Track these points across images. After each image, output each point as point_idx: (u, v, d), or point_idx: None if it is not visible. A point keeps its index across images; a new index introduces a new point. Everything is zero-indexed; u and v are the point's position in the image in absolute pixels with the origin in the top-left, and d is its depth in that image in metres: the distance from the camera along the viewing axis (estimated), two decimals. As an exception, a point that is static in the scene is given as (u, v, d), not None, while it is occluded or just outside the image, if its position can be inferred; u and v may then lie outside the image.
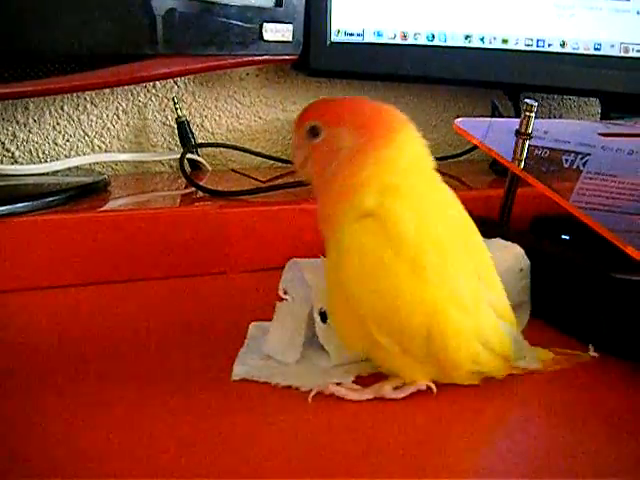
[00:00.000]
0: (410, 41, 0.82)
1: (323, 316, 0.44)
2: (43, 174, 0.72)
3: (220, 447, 0.36)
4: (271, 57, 0.73)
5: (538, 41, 0.86)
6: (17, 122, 0.80)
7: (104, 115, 0.84)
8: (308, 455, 0.36)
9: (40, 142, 0.82)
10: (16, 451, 0.36)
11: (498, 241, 0.53)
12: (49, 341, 0.48)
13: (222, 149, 0.88)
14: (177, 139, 0.85)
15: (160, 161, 0.87)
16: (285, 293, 0.45)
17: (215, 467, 0.34)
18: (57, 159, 0.82)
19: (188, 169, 0.79)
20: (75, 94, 0.82)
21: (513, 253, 0.52)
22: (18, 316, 0.54)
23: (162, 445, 0.36)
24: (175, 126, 0.85)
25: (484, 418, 0.41)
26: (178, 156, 0.77)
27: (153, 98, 0.86)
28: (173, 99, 0.84)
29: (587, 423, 0.40)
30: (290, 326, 0.45)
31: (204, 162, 0.84)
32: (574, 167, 0.60)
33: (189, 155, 0.81)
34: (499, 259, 0.49)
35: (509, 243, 0.53)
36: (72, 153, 0.83)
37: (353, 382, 0.42)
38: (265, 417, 0.39)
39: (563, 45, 0.87)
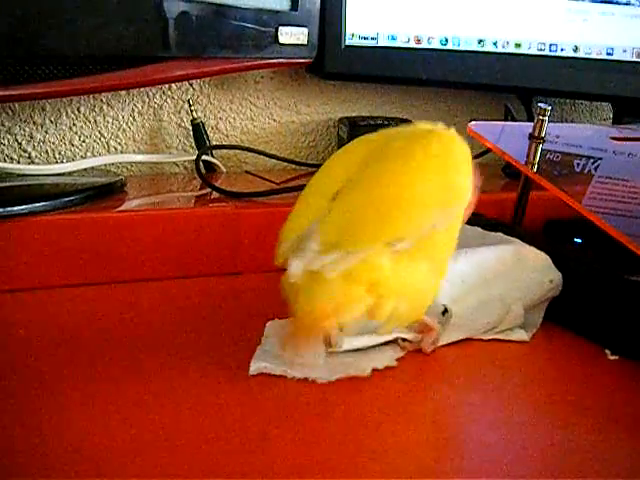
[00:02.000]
0: (424, 45, 0.83)
1: None
2: (60, 174, 0.72)
3: (238, 441, 0.37)
4: (286, 60, 0.74)
5: (551, 45, 0.86)
6: (34, 123, 0.81)
7: (120, 116, 0.85)
8: (323, 450, 0.36)
9: (57, 143, 0.82)
10: (16, 451, 0.36)
11: (531, 248, 0.53)
12: (66, 339, 0.49)
13: (236, 151, 0.89)
14: (192, 141, 0.86)
15: (175, 162, 0.87)
16: None
17: (233, 462, 0.35)
18: (73, 160, 0.83)
19: (203, 170, 0.79)
20: (91, 96, 0.83)
21: (546, 264, 0.52)
22: (35, 314, 0.54)
23: (181, 440, 0.37)
24: (190, 128, 0.86)
25: (483, 418, 0.41)
26: (193, 157, 0.78)
27: (169, 100, 0.86)
28: (188, 101, 0.85)
29: (593, 423, 0.40)
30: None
31: (219, 164, 0.85)
32: (586, 171, 0.60)
33: (204, 157, 0.81)
34: (529, 266, 0.51)
35: (540, 252, 0.53)
36: (88, 154, 0.84)
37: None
38: (282, 411, 0.40)
39: (576, 50, 0.87)
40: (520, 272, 0.51)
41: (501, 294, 0.50)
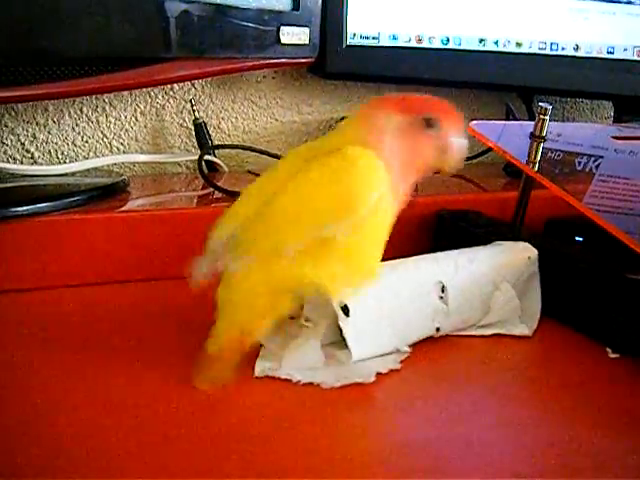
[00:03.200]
0: (425, 44, 0.83)
1: (345, 310, 0.45)
2: (63, 175, 0.73)
3: (243, 442, 0.37)
4: (288, 60, 0.74)
5: (552, 44, 0.87)
6: (37, 123, 0.82)
7: (122, 117, 0.85)
8: (326, 450, 0.37)
9: (59, 143, 0.83)
10: (16, 452, 0.36)
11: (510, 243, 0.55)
12: (70, 339, 0.49)
13: (238, 150, 0.89)
14: (194, 140, 0.86)
15: (177, 162, 0.88)
16: (307, 320, 0.46)
17: (238, 463, 0.35)
18: (76, 160, 0.83)
19: (205, 170, 0.80)
20: (94, 96, 0.83)
21: (522, 245, 0.54)
22: (38, 314, 0.54)
23: (184, 441, 0.37)
24: (192, 128, 0.86)
25: (485, 416, 0.41)
26: (195, 157, 0.78)
27: (171, 100, 0.87)
28: (190, 101, 0.85)
29: (594, 421, 0.41)
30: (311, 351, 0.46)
31: (221, 163, 0.85)
32: (587, 170, 0.60)
33: (206, 156, 0.82)
34: (509, 250, 0.53)
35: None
36: (91, 154, 0.84)
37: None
38: (285, 413, 0.40)
39: (577, 48, 0.87)
40: (500, 254, 0.53)
41: (487, 273, 0.52)
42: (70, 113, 0.83)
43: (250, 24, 0.69)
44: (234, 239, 0.44)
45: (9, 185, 0.69)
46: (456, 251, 0.53)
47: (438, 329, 0.49)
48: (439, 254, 0.52)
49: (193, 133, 0.86)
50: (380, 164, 0.44)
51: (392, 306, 0.47)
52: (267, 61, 0.73)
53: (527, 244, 0.54)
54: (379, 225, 0.45)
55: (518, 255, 0.53)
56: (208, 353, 0.43)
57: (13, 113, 0.80)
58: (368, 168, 0.44)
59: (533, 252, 0.54)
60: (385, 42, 0.82)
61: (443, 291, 0.50)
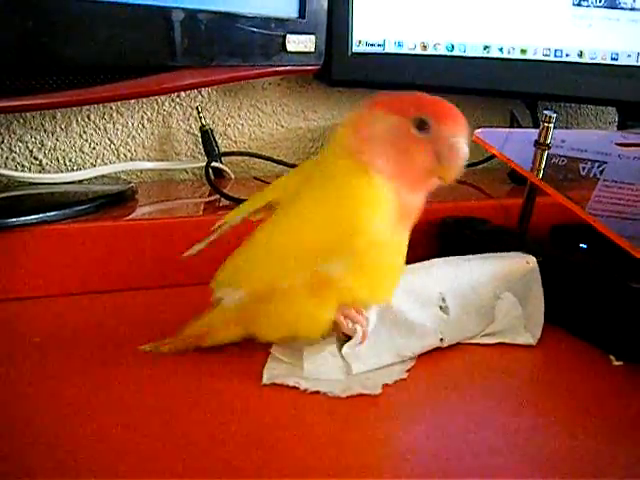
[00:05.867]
0: (430, 51, 0.84)
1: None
2: (71, 182, 0.73)
3: (249, 448, 0.37)
4: (294, 68, 0.75)
5: (556, 51, 0.87)
6: (45, 130, 0.82)
7: (130, 124, 0.86)
8: (333, 454, 0.37)
9: (67, 150, 0.83)
10: (17, 451, 0.37)
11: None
12: (79, 346, 0.50)
13: (245, 157, 0.90)
14: (201, 147, 0.86)
15: (184, 169, 0.88)
16: None
17: (242, 467, 0.36)
18: (83, 167, 0.84)
19: (212, 177, 0.80)
20: (101, 103, 0.83)
21: (520, 254, 0.54)
22: (48, 322, 0.55)
23: (189, 446, 0.37)
24: (199, 134, 0.87)
25: (490, 424, 0.41)
26: (202, 164, 0.79)
27: (177, 107, 0.87)
28: (197, 108, 0.86)
29: (598, 428, 0.41)
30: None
31: (227, 170, 0.85)
32: (591, 175, 0.61)
33: (213, 163, 0.82)
34: (507, 259, 0.54)
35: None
36: (98, 161, 0.85)
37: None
38: (293, 420, 0.40)
39: (581, 55, 0.88)
40: (499, 263, 0.53)
41: (487, 282, 0.52)
42: (78, 120, 0.83)
43: (256, 32, 0.70)
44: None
45: (17, 193, 0.69)
46: (454, 259, 0.53)
47: (442, 339, 0.49)
48: (438, 262, 0.53)
49: (200, 140, 0.87)
50: (377, 183, 0.41)
51: (392, 317, 0.47)
52: (273, 69, 0.73)
53: (523, 254, 0.55)
54: (387, 252, 0.43)
55: (517, 263, 0.53)
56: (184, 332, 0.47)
57: (21, 120, 0.81)
58: (362, 198, 0.41)
59: (532, 260, 0.54)
60: (390, 49, 0.83)
61: (444, 301, 0.50)
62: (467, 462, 0.37)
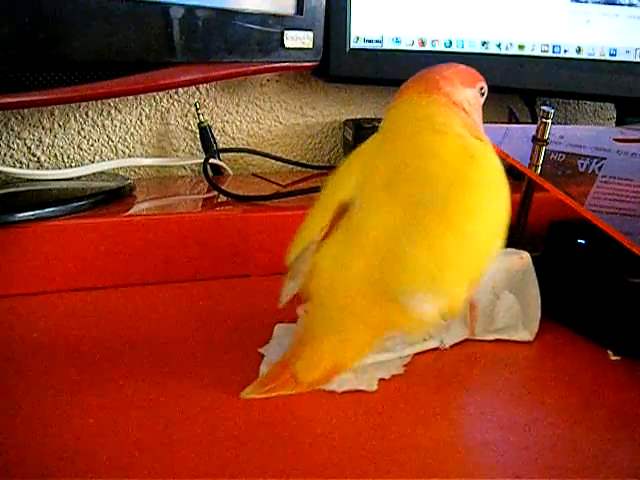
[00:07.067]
0: (428, 47, 0.83)
1: None
2: (69, 179, 0.73)
3: (246, 444, 0.37)
4: (292, 64, 0.75)
5: (554, 47, 0.87)
6: (43, 127, 0.82)
7: (128, 120, 0.86)
8: (331, 451, 0.37)
9: (65, 147, 0.83)
10: (16, 452, 0.37)
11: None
12: (77, 342, 0.49)
13: (243, 154, 0.90)
14: (199, 144, 0.87)
15: (182, 165, 0.88)
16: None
17: (239, 465, 0.36)
18: (81, 164, 0.84)
19: (210, 173, 0.80)
20: (99, 100, 0.83)
21: (513, 250, 0.54)
22: (46, 318, 0.55)
23: (185, 444, 0.37)
24: (197, 131, 0.87)
25: (488, 419, 0.41)
26: (200, 161, 0.79)
27: (175, 104, 0.87)
28: (195, 105, 0.86)
29: (596, 423, 0.41)
30: None
31: (226, 166, 0.86)
32: (590, 171, 0.61)
33: (211, 160, 0.82)
34: (501, 256, 0.52)
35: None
36: (96, 158, 0.85)
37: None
38: (288, 415, 0.40)
39: (579, 51, 0.88)
40: (495, 260, 0.52)
41: (483, 282, 0.51)
42: (76, 117, 0.83)
43: (254, 29, 0.70)
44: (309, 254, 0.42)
45: (15, 190, 0.69)
46: None
47: (442, 341, 0.49)
48: None
49: (198, 136, 0.87)
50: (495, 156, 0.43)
51: None
52: (271, 65, 0.73)
53: (517, 249, 0.54)
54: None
55: (512, 260, 0.53)
56: (293, 376, 0.41)
57: (19, 117, 0.81)
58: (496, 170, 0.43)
59: (526, 255, 0.53)
60: (388, 45, 0.83)
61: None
62: (464, 456, 0.37)
